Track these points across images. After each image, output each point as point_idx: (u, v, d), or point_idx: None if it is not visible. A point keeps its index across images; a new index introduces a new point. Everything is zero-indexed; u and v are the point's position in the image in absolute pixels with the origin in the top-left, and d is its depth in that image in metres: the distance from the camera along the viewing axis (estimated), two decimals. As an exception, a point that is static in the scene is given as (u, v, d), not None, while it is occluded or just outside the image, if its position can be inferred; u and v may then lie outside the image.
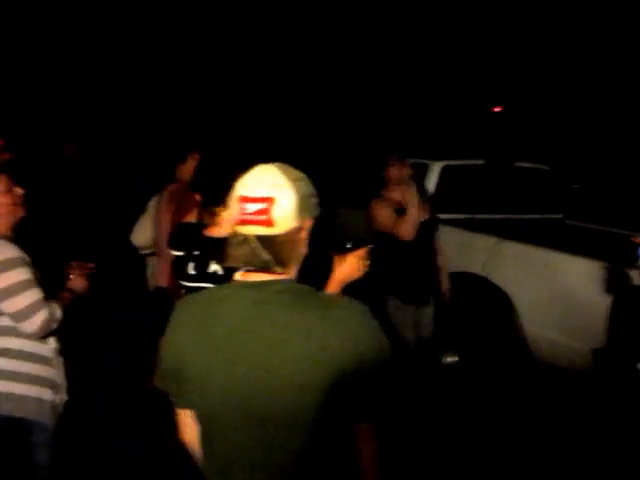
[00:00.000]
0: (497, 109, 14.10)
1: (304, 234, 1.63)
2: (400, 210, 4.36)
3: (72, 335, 2.87)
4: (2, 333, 2.57)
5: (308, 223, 1.63)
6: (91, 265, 2.91)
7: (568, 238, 5.39)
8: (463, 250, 5.26)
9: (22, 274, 2.54)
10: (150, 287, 4.53)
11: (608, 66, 12.52)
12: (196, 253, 2.61)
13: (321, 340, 1.51)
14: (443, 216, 5.71)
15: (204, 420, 1.65)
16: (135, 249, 4.58)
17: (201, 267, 2.57)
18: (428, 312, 4.65)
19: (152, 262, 4.52)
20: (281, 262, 1.59)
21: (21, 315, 2.51)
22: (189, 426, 1.73)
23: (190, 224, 2.85)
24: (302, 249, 1.65)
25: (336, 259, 2.27)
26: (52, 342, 2.72)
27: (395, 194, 4.45)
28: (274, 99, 13.52)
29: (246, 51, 13.51)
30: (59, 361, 2.77)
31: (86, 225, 6.38)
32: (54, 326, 2.60)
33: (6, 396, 2.58)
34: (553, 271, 4.55)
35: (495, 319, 4.92)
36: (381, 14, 13.33)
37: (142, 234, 4.41)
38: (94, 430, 4.03)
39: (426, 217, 4.55)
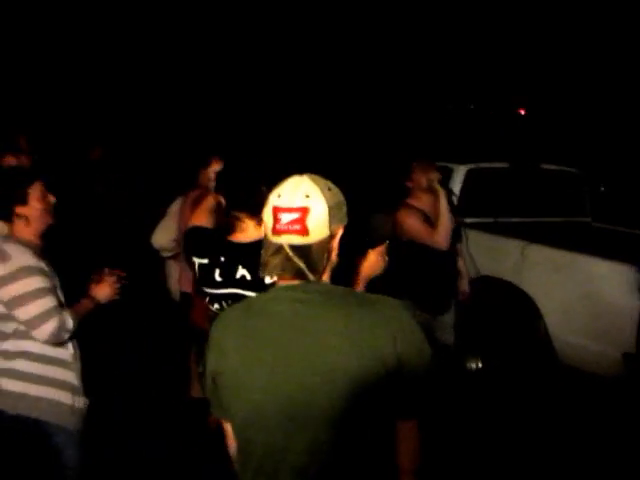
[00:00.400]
0: (522, 111, 13.99)
1: (336, 242, 1.69)
2: (427, 217, 4.27)
3: (93, 340, 2.90)
4: (24, 336, 2.60)
5: (339, 231, 1.68)
6: (121, 273, 2.91)
7: (596, 241, 5.31)
8: (488, 254, 5.20)
9: (36, 282, 2.55)
10: (174, 293, 4.55)
11: (636, 68, 12.35)
12: (222, 259, 2.60)
13: (364, 337, 1.56)
14: (468, 220, 5.67)
15: (242, 426, 1.68)
16: (153, 251, 4.61)
17: (228, 273, 2.56)
18: (448, 320, 4.63)
19: (174, 267, 4.54)
20: (314, 270, 1.64)
21: (32, 323, 2.53)
22: (231, 437, 1.76)
23: (205, 229, 2.83)
24: (333, 257, 1.70)
25: (358, 259, 2.34)
26: (71, 347, 2.74)
27: (421, 201, 4.32)
28: (288, 101, 13.56)
29: (262, 58, 13.57)
30: (78, 365, 2.79)
31: (110, 227, 6.43)
32: (65, 336, 2.61)
33: (21, 396, 2.61)
34: (580, 275, 4.48)
35: (520, 324, 4.86)
36: (401, 15, 13.30)
37: (163, 236, 4.45)
38: (115, 433, 4.03)
39: (454, 225, 4.42)
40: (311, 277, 1.63)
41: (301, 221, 1.60)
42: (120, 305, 2.97)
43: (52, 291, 2.61)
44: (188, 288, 4.04)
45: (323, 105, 13.48)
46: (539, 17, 12.89)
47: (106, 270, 2.88)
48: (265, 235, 1.67)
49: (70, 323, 2.60)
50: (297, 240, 1.61)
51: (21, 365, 2.62)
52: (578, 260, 4.53)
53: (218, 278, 2.59)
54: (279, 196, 1.64)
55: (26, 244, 2.64)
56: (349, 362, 1.55)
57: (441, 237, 4.15)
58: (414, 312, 1.69)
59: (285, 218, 1.61)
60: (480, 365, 5.26)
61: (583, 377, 4.47)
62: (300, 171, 1.72)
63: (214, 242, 2.70)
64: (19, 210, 2.66)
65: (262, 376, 1.61)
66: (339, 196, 1.70)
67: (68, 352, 2.73)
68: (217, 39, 13.36)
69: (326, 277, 1.71)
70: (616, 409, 4.39)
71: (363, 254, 2.35)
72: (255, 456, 1.64)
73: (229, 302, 2.49)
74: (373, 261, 2.33)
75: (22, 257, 2.57)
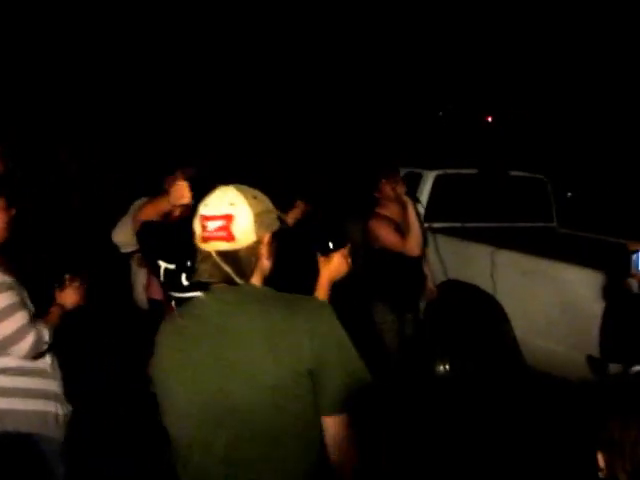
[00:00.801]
0: (489, 118, 14.17)
1: (264, 248, 1.75)
2: (397, 226, 4.48)
3: (65, 349, 2.86)
4: (2, 354, 2.53)
5: (267, 237, 1.75)
6: (83, 276, 2.86)
7: (561, 246, 5.40)
8: (457, 258, 5.27)
9: (7, 298, 2.49)
10: (141, 302, 4.53)
11: (602, 73, 12.58)
12: (188, 264, 2.60)
13: (282, 336, 1.63)
14: (436, 224, 5.75)
15: (170, 425, 1.75)
16: (121, 258, 4.60)
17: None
18: (410, 318, 4.79)
19: (141, 273, 4.52)
20: (242, 274, 1.71)
21: (8, 341, 2.48)
22: None
23: (157, 224, 2.81)
24: (264, 262, 1.77)
25: (321, 260, 2.32)
26: (48, 357, 2.70)
27: (390, 210, 4.54)
28: (268, 106, 13.54)
29: (243, 66, 13.55)
30: (58, 374, 2.75)
31: (84, 230, 6.35)
32: (43, 348, 2.57)
33: (10, 412, 2.55)
34: (546, 279, 4.54)
35: (488, 328, 4.92)
36: (373, 21, 13.37)
37: (122, 231, 4.47)
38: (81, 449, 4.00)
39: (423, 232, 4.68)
40: (239, 281, 1.70)
41: (226, 228, 1.68)
42: (87, 315, 2.94)
43: (23, 305, 2.55)
44: (157, 295, 4.02)
45: (297, 114, 13.51)
46: (504, 26, 13.07)
47: (67, 276, 2.82)
48: (195, 243, 1.74)
49: (46, 335, 2.56)
50: (224, 246, 1.69)
51: (2, 381, 2.56)
52: (544, 265, 4.60)
53: (185, 282, 2.59)
54: (206, 205, 1.73)
55: None
56: (267, 361, 1.61)
57: (413, 245, 4.37)
58: (335, 314, 1.73)
59: (211, 226, 1.69)
60: (448, 368, 5.31)
61: (549, 380, 4.54)
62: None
63: (180, 246, 2.70)
64: None
65: (187, 376, 1.68)
66: (266, 204, 1.78)
67: (46, 362, 2.68)
68: (203, 41, 13.29)
69: (256, 280, 1.76)
70: (580, 411, 4.45)
71: (324, 253, 2.34)
72: (183, 452, 1.72)
73: None
74: (337, 264, 2.31)
75: None
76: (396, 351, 4.66)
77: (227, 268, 1.69)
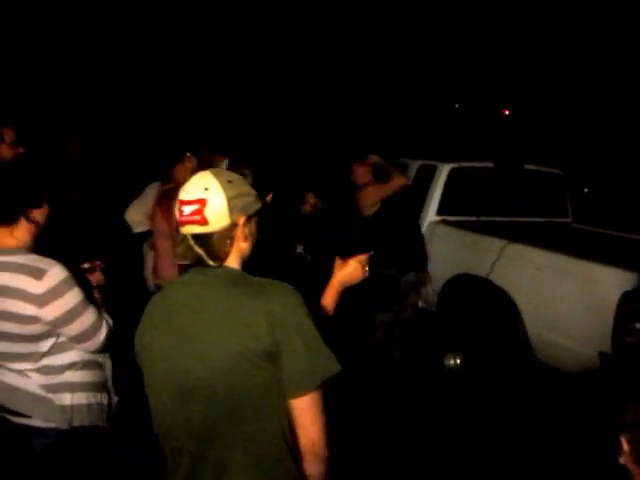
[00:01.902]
0: (507, 111, 14.08)
1: (240, 230, 1.80)
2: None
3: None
4: (64, 349, 2.50)
5: (242, 220, 1.80)
6: (99, 263, 2.82)
7: (575, 241, 5.37)
8: (469, 252, 5.26)
9: (77, 295, 2.40)
10: (149, 283, 4.58)
11: (622, 70, 12.45)
12: None
13: (243, 317, 1.68)
14: (450, 218, 5.74)
15: (151, 400, 1.84)
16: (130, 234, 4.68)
17: None
18: (410, 279, 5.28)
19: (150, 256, 4.58)
20: (215, 257, 1.77)
21: (84, 336, 2.44)
22: None
23: None
24: (241, 244, 1.82)
25: (337, 261, 2.31)
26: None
27: (368, 191, 5.04)
28: (274, 98, 13.56)
29: (243, 52, 13.56)
30: (108, 364, 2.74)
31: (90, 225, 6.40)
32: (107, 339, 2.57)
33: (77, 407, 2.54)
34: (558, 274, 4.52)
35: (499, 322, 4.91)
36: (392, 14, 13.31)
37: (136, 211, 4.59)
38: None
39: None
40: (211, 263, 1.77)
41: (199, 212, 1.74)
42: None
43: (89, 298, 2.50)
44: (161, 280, 4.06)
45: (301, 102, 13.51)
46: (525, 19, 12.96)
47: (85, 265, 2.75)
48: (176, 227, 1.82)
49: (111, 324, 2.55)
50: (197, 229, 1.75)
51: (69, 376, 2.53)
52: (556, 260, 4.58)
53: None
54: (184, 190, 1.79)
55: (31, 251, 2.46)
56: (223, 338, 1.68)
57: (396, 180, 4.98)
58: (302, 300, 1.75)
59: (186, 210, 1.75)
60: (459, 362, 5.32)
61: (559, 375, 4.53)
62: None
63: None
64: (33, 214, 2.44)
65: (160, 353, 1.77)
66: (241, 187, 1.82)
67: (101, 354, 2.67)
68: (192, 36, 13.32)
69: (233, 262, 1.82)
70: (590, 407, 4.44)
71: (344, 256, 2.32)
72: (162, 426, 1.81)
73: None
74: (352, 269, 2.29)
75: (55, 269, 2.36)
76: (385, 326, 5.11)
77: (200, 250, 1.76)
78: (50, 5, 11.86)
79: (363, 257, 2.34)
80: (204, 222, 1.74)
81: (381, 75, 13.69)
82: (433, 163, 6.05)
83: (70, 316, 2.37)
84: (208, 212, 1.73)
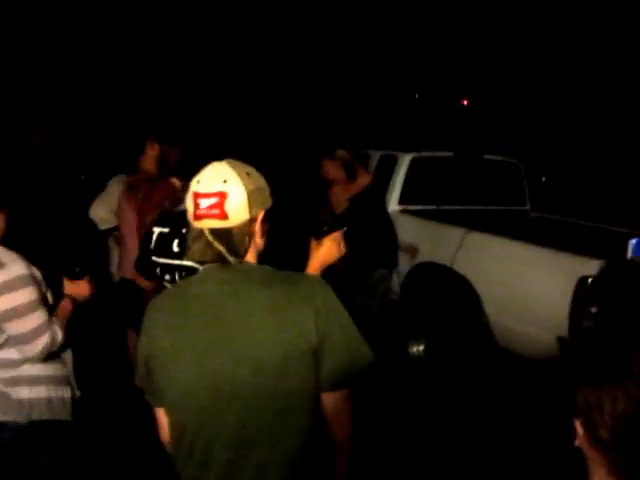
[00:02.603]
0: (465, 101, 14.22)
1: (257, 225, 1.71)
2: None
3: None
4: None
5: (260, 215, 1.71)
6: (91, 270, 2.84)
7: (533, 229, 5.48)
8: (431, 240, 5.32)
9: (31, 293, 2.41)
10: (115, 278, 4.52)
11: (576, 57, 12.67)
12: (183, 231, 2.60)
13: (287, 313, 1.60)
14: (411, 207, 5.80)
15: (173, 408, 1.69)
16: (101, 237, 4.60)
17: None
18: (382, 273, 5.24)
19: (116, 251, 4.52)
20: (235, 253, 1.67)
21: (23, 338, 2.42)
22: (164, 425, 1.77)
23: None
24: (257, 240, 1.73)
25: (313, 243, 2.29)
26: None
27: (339, 188, 4.99)
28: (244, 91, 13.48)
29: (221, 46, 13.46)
30: (69, 359, 2.74)
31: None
32: (54, 349, 2.52)
33: (36, 401, 2.54)
34: (517, 261, 4.61)
35: (461, 309, 4.99)
36: (354, 6, 13.32)
37: (101, 208, 4.51)
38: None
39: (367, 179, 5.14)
40: (232, 260, 1.66)
41: (219, 205, 1.63)
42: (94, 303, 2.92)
43: (43, 302, 2.50)
44: (126, 274, 4.01)
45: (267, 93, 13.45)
46: (481, 8, 13.09)
47: (77, 269, 2.78)
48: (188, 221, 1.70)
49: (59, 334, 2.51)
50: (217, 224, 1.64)
51: (27, 370, 2.52)
52: (515, 247, 4.67)
53: (176, 248, 2.61)
54: (198, 182, 1.68)
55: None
56: (272, 339, 1.59)
57: (364, 177, 4.98)
58: (331, 288, 1.72)
59: (204, 203, 1.64)
60: (422, 349, 5.38)
61: (520, 360, 4.61)
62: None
63: (178, 214, 2.71)
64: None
65: (190, 357, 1.63)
66: (259, 181, 1.73)
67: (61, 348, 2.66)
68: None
69: (251, 259, 1.74)
70: (549, 392, 4.54)
71: (317, 236, 2.31)
72: (187, 437, 1.66)
73: (183, 274, 2.53)
74: (328, 248, 2.27)
75: (16, 265, 2.40)
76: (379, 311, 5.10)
77: (220, 247, 1.65)
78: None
79: (337, 234, 2.32)
80: (224, 216, 1.63)
81: (342, 66, 13.70)
82: (394, 153, 6.10)
83: (13, 314, 2.37)
84: (229, 206, 1.63)
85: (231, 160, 1.74)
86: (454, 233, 5.10)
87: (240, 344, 1.60)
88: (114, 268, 4.57)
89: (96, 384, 3.76)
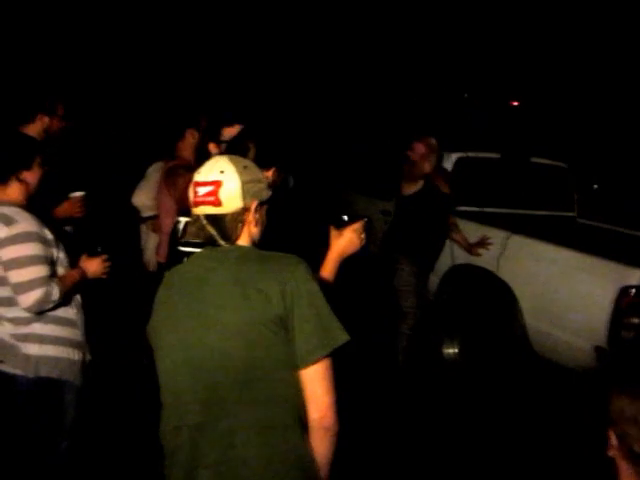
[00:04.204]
0: (515, 103, 13.99)
1: (251, 215, 1.85)
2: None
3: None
4: None
5: (254, 205, 1.85)
6: (110, 252, 2.97)
7: (577, 236, 5.36)
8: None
9: (32, 248, 2.58)
10: (152, 264, 4.59)
11: (633, 66, 12.35)
12: None
13: (255, 285, 1.71)
14: (455, 208, 5.73)
15: (160, 374, 1.85)
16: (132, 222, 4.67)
17: None
18: (427, 280, 5.23)
19: (152, 237, 4.59)
20: (227, 237, 1.83)
21: (19, 288, 2.56)
22: None
23: None
24: (252, 228, 1.87)
25: (332, 232, 2.29)
26: (74, 306, 2.82)
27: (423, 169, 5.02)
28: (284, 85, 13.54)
29: (248, 42, 13.53)
30: (82, 323, 2.87)
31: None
32: (47, 307, 2.64)
33: (45, 359, 2.67)
34: (558, 267, 4.53)
35: (498, 312, 4.92)
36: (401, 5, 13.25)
37: (143, 195, 4.59)
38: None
39: (446, 191, 5.18)
40: (222, 243, 1.82)
41: (214, 193, 1.80)
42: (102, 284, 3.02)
43: (46, 260, 2.63)
44: (164, 259, 4.08)
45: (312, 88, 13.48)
46: (535, 10, 12.86)
47: (99, 248, 2.93)
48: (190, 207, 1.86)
49: (55, 295, 2.61)
50: (211, 210, 1.81)
51: (38, 328, 2.68)
52: (557, 252, 4.58)
53: None
54: (199, 173, 1.86)
55: (24, 208, 2.67)
56: (236, 307, 1.71)
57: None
58: (311, 271, 1.80)
59: (201, 191, 1.82)
60: (457, 351, 5.33)
61: (557, 368, 4.54)
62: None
63: None
64: (23, 174, 2.69)
65: (171, 325, 1.81)
66: (255, 173, 1.88)
67: (73, 311, 2.81)
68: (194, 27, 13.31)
69: (243, 244, 1.87)
70: (585, 401, 4.46)
71: (337, 226, 2.31)
72: (167, 401, 1.82)
73: None
74: (348, 238, 2.28)
75: (26, 222, 2.60)
76: (414, 314, 4.98)
77: (212, 230, 1.81)
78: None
79: (358, 225, 2.31)
80: (218, 203, 1.80)
81: (392, 62, 13.65)
82: (440, 152, 6.03)
83: (14, 264, 2.54)
84: (222, 194, 1.79)
85: (231, 155, 1.94)
86: (495, 235, 5.04)
87: (210, 312, 1.74)
88: (149, 255, 4.65)
89: (110, 351, 3.87)
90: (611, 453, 1.30)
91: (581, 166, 7.26)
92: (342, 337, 1.73)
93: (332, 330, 1.73)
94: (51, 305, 2.63)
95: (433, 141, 5.06)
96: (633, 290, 4.02)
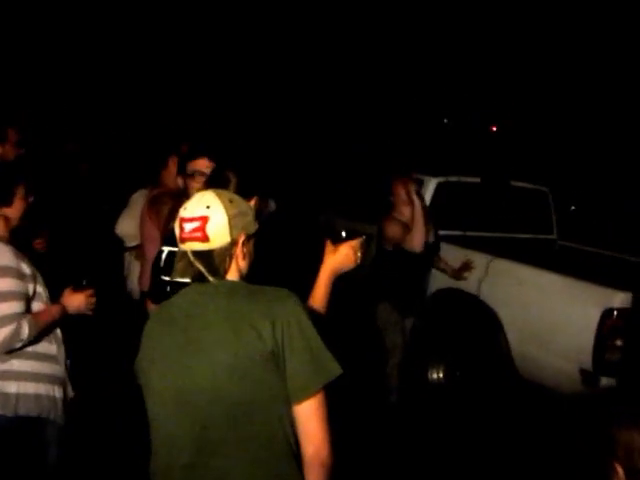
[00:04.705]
0: (494, 127, 14.18)
1: (239, 248, 1.83)
2: (408, 228, 4.67)
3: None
4: None
5: (241, 239, 1.82)
6: (95, 286, 2.85)
7: (559, 258, 5.41)
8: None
9: (7, 284, 2.48)
10: (135, 293, 4.53)
11: (607, 87, 12.58)
12: None
13: (242, 320, 1.68)
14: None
15: (148, 410, 1.80)
16: (116, 251, 4.61)
17: None
18: (411, 320, 5.00)
19: (135, 265, 4.54)
20: (214, 273, 1.80)
21: None
22: None
23: None
24: (240, 262, 1.85)
25: (328, 247, 2.25)
26: (54, 341, 2.74)
27: (403, 215, 4.72)
28: (269, 104, 13.60)
29: (238, 56, 13.59)
30: (63, 358, 2.78)
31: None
32: (17, 345, 2.52)
33: (24, 397, 2.58)
34: (542, 290, 4.55)
35: (482, 336, 4.92)
36: (378, 25, 13.40)
37: (127, 224, 4.53)
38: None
39: (432, 239, 4.91)
40: (211, 279, 1.80)
41: (201, 229, 1.76)
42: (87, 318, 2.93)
43: (21, 296, 2.53)
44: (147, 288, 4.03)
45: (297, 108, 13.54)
46: (511, 36, 13.08)
47: (84, 282, 2.81)
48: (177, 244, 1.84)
49: (25, 333, 2.49)
50: (199, 246, 1.78)
51: (16, 365, 2.58)
52: (540, 276, 4.61)
53: None
54: (185, 209, 1.82)
55: (5, 242, 2.59)
56: (227, 344, 1.68)
57: (415, 240, 4.58)
58: (301, 303, 1.78)
59: (188, 227, 1.78)
60: (442, 375, 5.31)
61: (542, 391, 4.54)
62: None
63: None
64: (3, 210, 2.61)
65: (160, 362, 1.76)
66: (242, 206, 1.86)
67: (54, 347, 2.72)
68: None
69: (232, 279, 1.84)
70: (573, 424, 4.45)
71: (335, 242, 2.26)
72: (155, 438, 1.78)
73: None
74: (344, 255, 2.22)
75: (2, 257, 2.51)
76: (401, 349, 4.85)
77: (200, 267, 1.78)
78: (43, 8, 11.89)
79: (356, 242, 2.26)
80: (205, 239, 1.76)
81: (371, 88, 13.77)
82: (420, 177, 6.06)
83: None
84: (210, 229, 1.76)
85: (217, 189, 1.91)
86: (478, 259, 5.05)
87: (200, 350, 1.70)
88: (133, 284, 4.59)
89: (94, 385, 3.79)
90: None
91: (558, 188, 7.32)
92: (335, 370, 1.70)
93: (325, 364, 1.70)
94: (20, 344, 2.51)
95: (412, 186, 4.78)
96: (616, 312, 4.05)
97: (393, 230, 4.68)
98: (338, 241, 2.26)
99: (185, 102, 13.24)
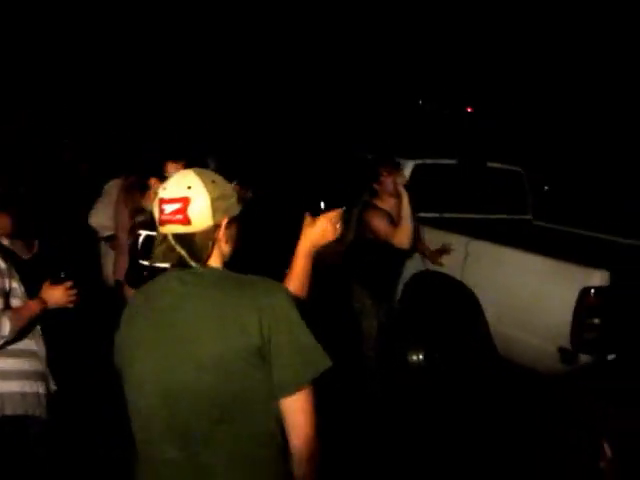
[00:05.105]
0: (469, 109, 14.21)
1: (222, 232, 1.74)
2: (392, 219, 4.55)
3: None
4: None
5: (224, 222, 1.73)
6: (76, 279, 2.79)
7: (535, 238, 5.44)
8: (432, 249, 5.28)
9: None
10: (109, 282, 4.49)
11: (581, 68, 12.65)
12: None
13: (228, 312, 1.62)
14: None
15: (129, 400, 1.74)
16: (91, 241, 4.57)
17: None
18: (384, 306, 4.87)
19: (110, 255, 4.50)
20: (197, 258, 1.70)
21: None
22: None
23: None
24: (223, 246, 1.76)
25: (306, 220, 2.17)
26: (35, 336, 2.70)
27: (387, 204, 4.63)
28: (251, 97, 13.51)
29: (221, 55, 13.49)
30: (43, 353, 2.74)
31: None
32: None
33: (9, 396, 2.54)
34: (519, 270, 4.58)
35: (462, 318, 4.95)
36: (358, 13, 13.34)
37: (101, 215, 4.48)
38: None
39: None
40: (193, 264, 1.70)
41: (182, 211, 1.66)
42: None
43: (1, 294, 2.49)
44: (122, 276, 3.99)
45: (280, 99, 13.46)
46: (486, 16, 13.09)
47: (62, 274, 2.75)
48: (156, 226, 1.74)
49: (6, 330, 2.45)
50: (180, 229, 1.68)
51: (0, 364, 2.54)
52: (517, 256, 4.64)
53: None
54: (164, 189, 1.71)
55: None
56: (212, 337, 1.61)
57: (403, 238, 4.42)
58: (289, 295, 1.71)
59: (168, 209, 1.67)
60: (422, 357, 5.34)
61: (522, 370, 4.57)
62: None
63: None
64: None
65: (142, 353, 1.68)
66: (225, 188, 1.75)
67: (34, 342, 2.68)
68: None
69: (215, 264, 1.76)
70: (551, 403, 4.50)
71: (313, 214, 2.18)
72: (138, 430, 1.72)
73: None
74: (322, 228, 2.14)
75: None
76: (375, 334, 4.75)
77: (182, 251, 1.69)
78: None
79: (334, 213, 2.18)
80: (187, 222, 1.67)
81: (346, 70, 13.71)
82: (397, 159, 6.05)
83: None
84: (191, 211, 1.66)
85: (198, 169, 1.77)
86: (456, 241, 5.07)
87: (185, 343, 1.63)
88: (108, 272, 4.54)
89: (74, 377, 3.75)
90: (603, 465, 1.28)
91: (532, 168, 7.36)
92: (323, 363, 1.65)
93: (313, 357, 1.65)
94: (2, 341, 2.47)
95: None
96: (593, 291, 4.08)
97: (377, 220, 4.56)
98: (317, 213, 2.18)
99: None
